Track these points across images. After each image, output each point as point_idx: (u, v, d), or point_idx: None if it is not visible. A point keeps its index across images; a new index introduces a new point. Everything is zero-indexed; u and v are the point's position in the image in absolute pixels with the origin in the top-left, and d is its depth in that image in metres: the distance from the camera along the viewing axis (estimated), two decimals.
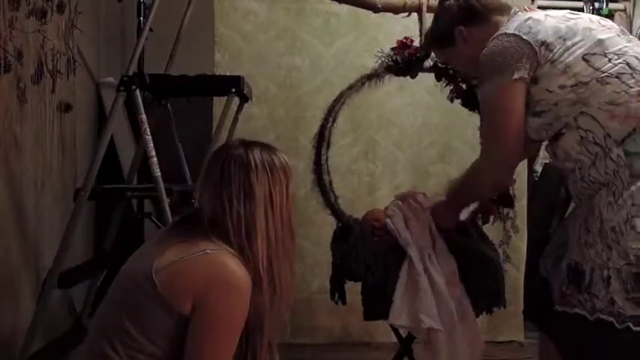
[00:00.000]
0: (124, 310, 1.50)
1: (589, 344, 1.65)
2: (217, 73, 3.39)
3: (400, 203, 2.29)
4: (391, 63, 2.40)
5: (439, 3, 2.06)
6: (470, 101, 2.41)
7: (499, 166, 1.86)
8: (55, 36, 2.68)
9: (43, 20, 2.54)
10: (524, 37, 1.73)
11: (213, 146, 2.69)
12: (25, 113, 2.51)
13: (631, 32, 3.51)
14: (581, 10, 3.42)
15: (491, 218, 2.39)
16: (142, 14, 3.04)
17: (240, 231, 1.54)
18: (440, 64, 2.38)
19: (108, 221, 3.03)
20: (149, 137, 2.51)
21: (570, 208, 2.06)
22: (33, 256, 2.75)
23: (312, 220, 3.29)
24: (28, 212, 2.69)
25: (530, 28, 1.75)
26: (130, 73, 2.57)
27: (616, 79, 1.67)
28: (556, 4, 3.39)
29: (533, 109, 1.75)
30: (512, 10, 1.89)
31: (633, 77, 1.67)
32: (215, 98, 3.41)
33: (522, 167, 3.35)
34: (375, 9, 2.62)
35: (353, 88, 2.41)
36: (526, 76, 1.73)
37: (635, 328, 1.59)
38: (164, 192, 2.51)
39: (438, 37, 2.05)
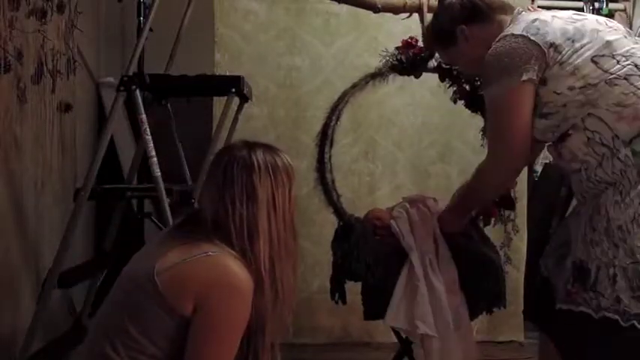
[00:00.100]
0: (125, 311, 1.50)
1: (592, 343, 1.66)
2: (217, 73, 3.39)
3: (408, 206, 2.28)
4: (395, 62, 2.39)
5: (439, 2, 2.05)
6: (473, 102, 2.41)
7: (505, 168, 1.86)
8: (55, 36, 2.67)
9: (43, 20, 2.53)
10: (533, 38, 1.72)
11: (213, 146, 2.69)
12: (25, 113, 2.50)
13: None
14: (581, 10, 3.42)
15: (493, 220, 2.38)
16: (142, 14, 3.03)
17: (243, 233, 1.53)
18: (444, 65, 2.37)
19: (108, 221, 3.02)
20: (149, 137, 2.51)
21: (571, 207, 2.07)
22: (33, 256, 2.75)
23: (313, 220, 3.29)
24: (28, 212, 2.68)
25: (539, 29, 1.74)
26: (130, 73, 2.56)
27: (624, 81, 1.67)
28: (556, 4, 3.40)
29: (540, 111, 1.74)
30: (516, 10, 1.87)
31: None
32: (215, 98, 3.40)
33: None
34: (375, 9, 2.62)
35: (357, 87, 2.40)
36: (535, 77, 1.72)
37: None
38: (164, 192, 2.51)
39: (438, 36, 2.03)
